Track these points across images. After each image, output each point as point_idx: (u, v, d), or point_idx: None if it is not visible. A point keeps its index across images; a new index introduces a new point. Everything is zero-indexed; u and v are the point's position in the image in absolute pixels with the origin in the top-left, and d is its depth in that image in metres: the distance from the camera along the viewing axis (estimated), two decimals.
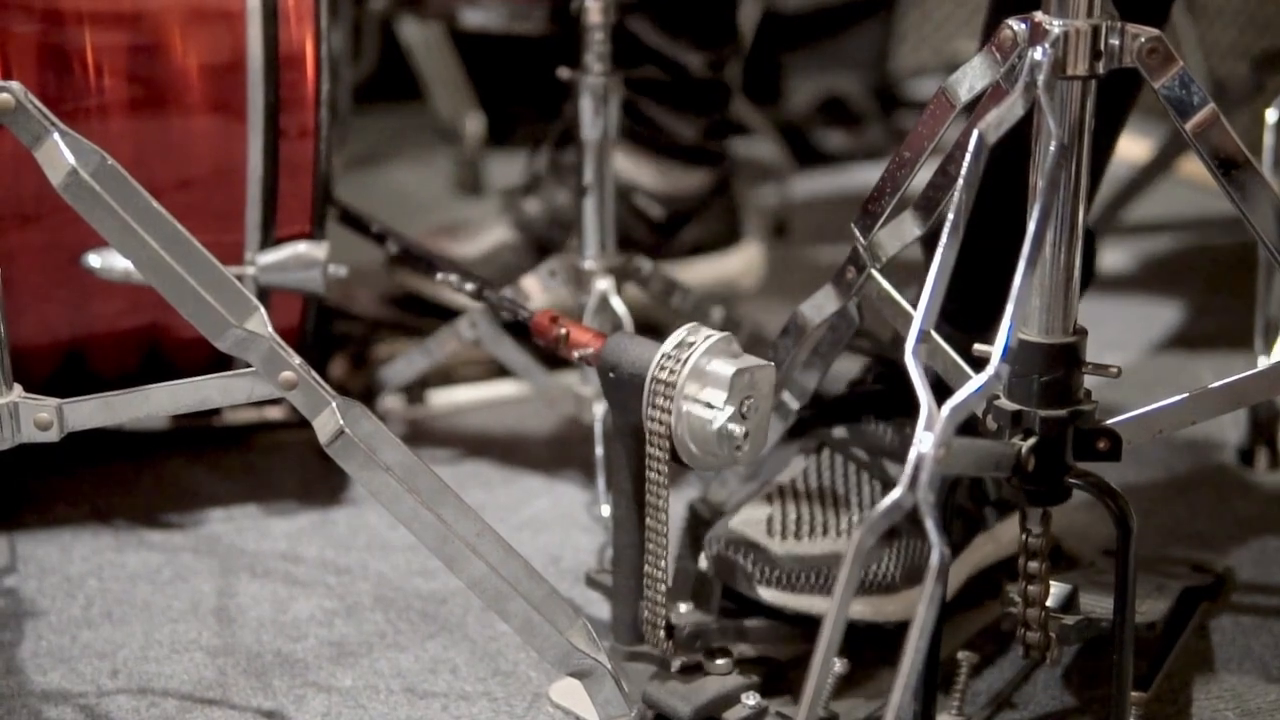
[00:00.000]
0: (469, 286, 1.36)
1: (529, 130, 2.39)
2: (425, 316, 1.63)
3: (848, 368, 1.29)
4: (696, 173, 1.73)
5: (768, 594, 1.13)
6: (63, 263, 1.26)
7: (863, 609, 1.14)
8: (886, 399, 1.23)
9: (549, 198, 1.67)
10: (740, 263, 1.77)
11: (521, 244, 1.67)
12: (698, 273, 1.72)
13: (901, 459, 1.07)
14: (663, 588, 1.08)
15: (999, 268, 0.93)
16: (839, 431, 1.23)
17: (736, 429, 1.02)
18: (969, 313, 1.16)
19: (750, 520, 1.17)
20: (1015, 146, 0.96)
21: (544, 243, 1.65)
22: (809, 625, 1.11)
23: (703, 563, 1.16)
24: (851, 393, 1.26)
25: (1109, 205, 1.96)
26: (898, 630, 1.13)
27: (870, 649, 1.12)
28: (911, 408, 0.86)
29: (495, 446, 1.53)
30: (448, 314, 1.54)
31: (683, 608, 1.13)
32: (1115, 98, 1.06)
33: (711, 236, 1.69)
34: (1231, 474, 1.48)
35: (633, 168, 1.68)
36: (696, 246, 1.74)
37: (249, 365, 1.00)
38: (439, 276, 1.40)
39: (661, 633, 1.09)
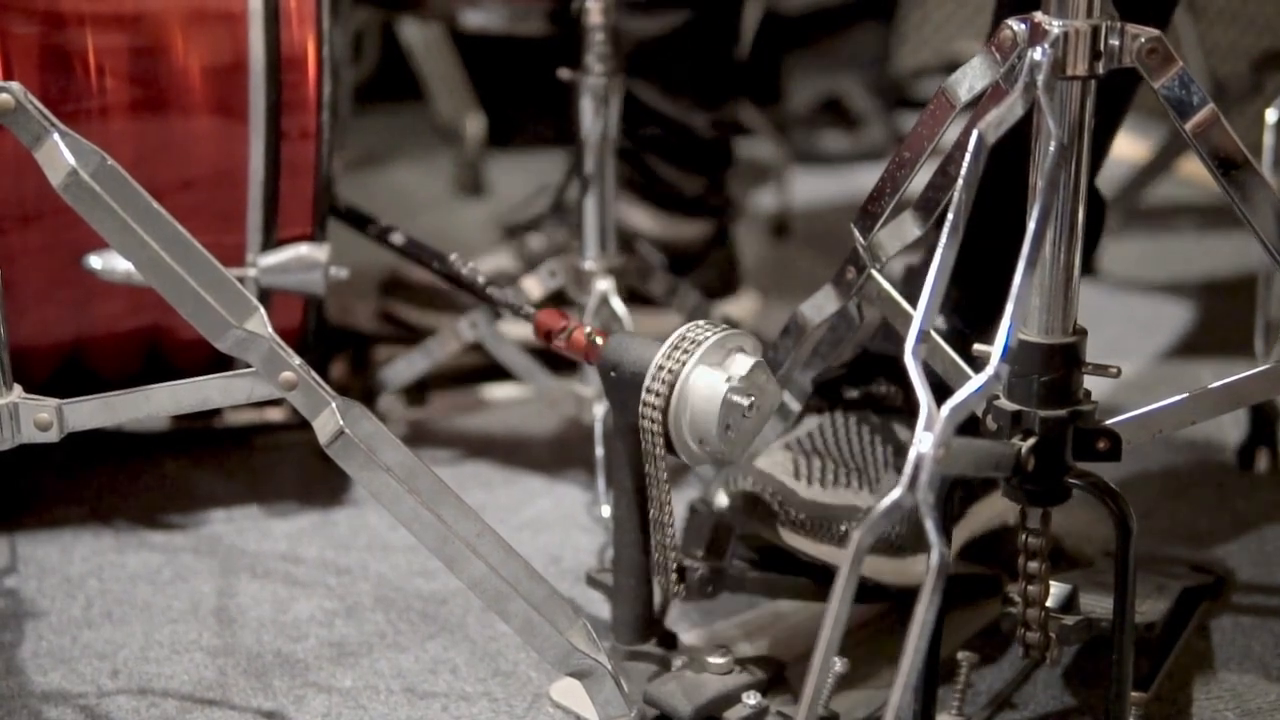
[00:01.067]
0: (480, 279, 1.35)
1: (529, 132, 2.41)
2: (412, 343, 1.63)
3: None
4: (696, 224, 1.74)
5: (789, 536, 1.13)
6: (64, 264, 1.26)
7: (876, 567, 1.14)
8: (897, 362, 1.23)
9: (552, 234, 1.68)
10: (738, 312, 1.77)
11: (521, 274, 1.67)
12: None
13: (911, 422, 1.06)
14: (671, 532, 1.07)
15: (1004, 267, 0.93)
16: (850, 392, 1.23)
17: (741, 399, 1.03)
18: (975, 308, 1.16)
19: (775, 463, 1.16)
20: (1019, 146, 0.96)
21: None
22: (819, 578, 1.11)
23: (720, 498, 1.16)
24: (862, 355, 1.26)
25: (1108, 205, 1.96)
26: (900, 593, 1.13)
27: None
28: None
29: (496, 447, 1.53)
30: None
31: (694, 555, 1.12)
32: (1114, 97, 1.06)
33: (710, 286, 1.69)
34: (1231, 474, 1.48)
35: (632, 216, 1.68)
36: None
37: (249, 366, 1.00)
38: (436, 265, 1.39)
39: (673, 575, 1.08)
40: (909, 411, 1.18)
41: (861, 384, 1.23)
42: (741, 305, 1.77)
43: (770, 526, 1.13)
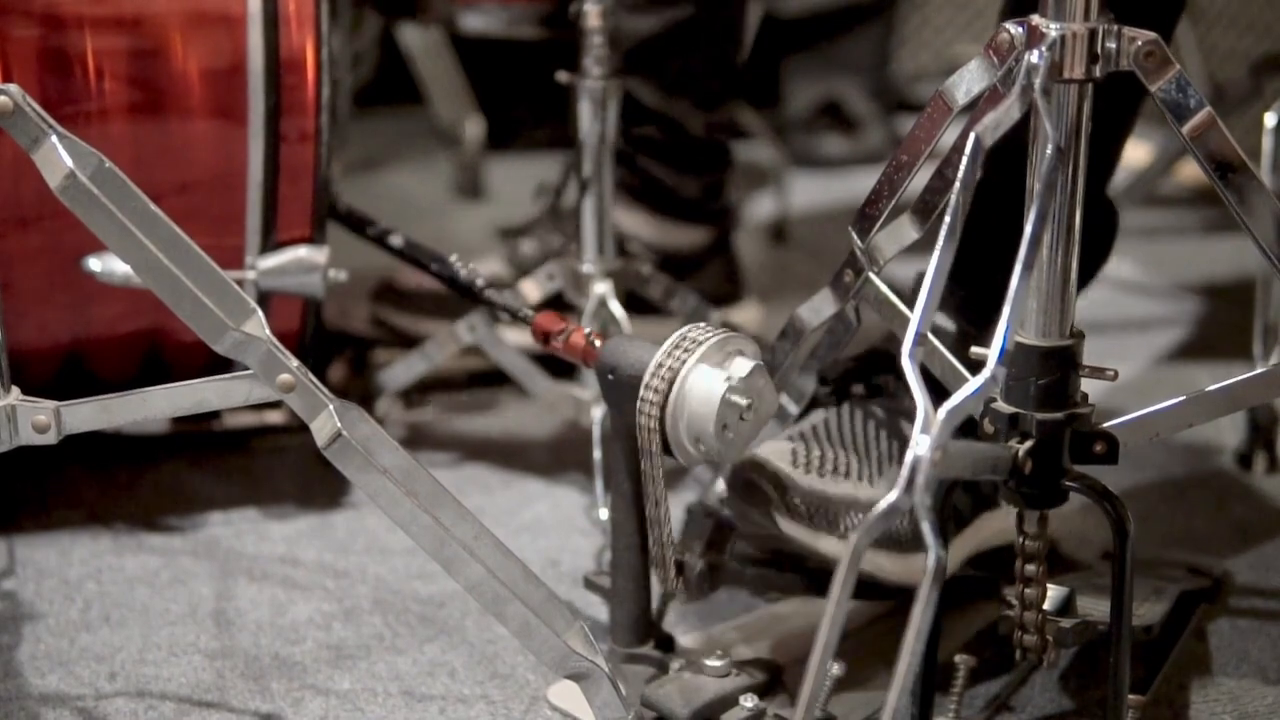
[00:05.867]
0: (469, 286, 1.36)
1: (528, 134, 2.41)
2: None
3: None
4: (694, 230, 1.72)
5: (785, 524, 1.12)
6: (63, 266, 1.26)
7: (874, 560, 1.14)
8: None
9: (545, 240, 1.68)
10: (740, 321, 1.74)
11: (512, 280, 1.66)
12: None
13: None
14: (668, 529, 1.07)
15: (1005, 270, 0.93)
16: (857, 388, 1.23)
17: (739, 399, 1.03)
18: (976, 308, 1.16)
19: (775, 451, 1.15)
20: (1022, 149, 0.96)
21: None
22: (816, 578, 1.11)
23: (719, 487, 1.15)
24: (871, 352, 1.26)
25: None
26: (898, 590, 1.13)
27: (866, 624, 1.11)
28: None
29: (494, 450, 1.53)
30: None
31: (693, 550, 1.12)
32: (1122, 103, 1.06)
33: (710, 294, 1.67)
34: (1230, 477, 1.48)
35: (629, 221, 1.67)
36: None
37: (248, 368, 1.00)
38: (434, 267, 1.39)
39: (672, 571, 1.08)
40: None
41: (867, 378, 1.23)
42: (744, 314, 1.75)
43: (767, 514, 1.12)
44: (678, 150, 1.70)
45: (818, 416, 1.21)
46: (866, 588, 1.14)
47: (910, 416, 1.19)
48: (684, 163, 1.71)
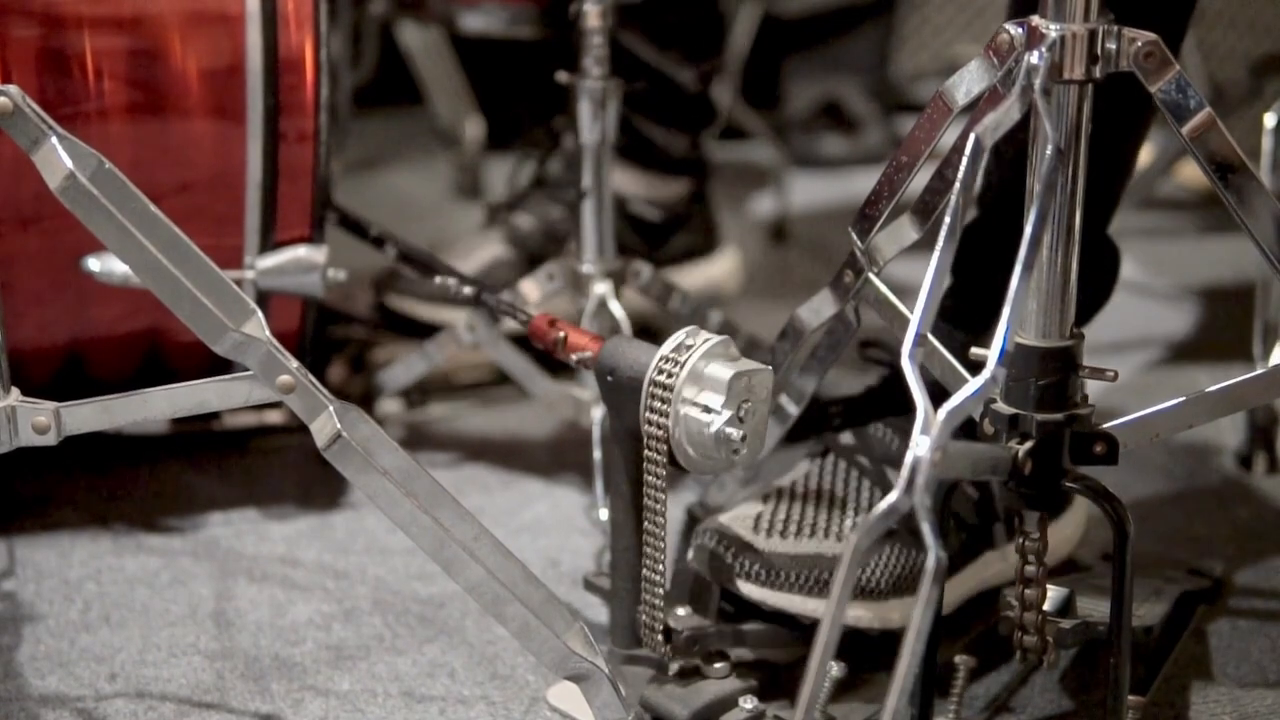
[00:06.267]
0: (467, 290, 1.36)
1: (527, 135, 2.41)
2: (409, 335, 1.63)
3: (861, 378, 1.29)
4: (678, 182, 1.76)
5: (747, 588, 1.13)
6: (62, 266, 1.26)
7: (859, 614, 1.14)
8: (895, 405, 1.23)
9: (541, 212, 1.67)
10: (724, 267, 1.81)
11: (516, 259, 1.67)
12: (689, 278, 1.73)
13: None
14: (660, 591, 1.08)
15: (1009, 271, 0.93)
16: (846, 438, 1.23)
17: (734, 432, 1.03)
18: (973, 313, 1.15)
19: (739, 517, 1.17)
20: (1025, 150, 0.96)
21: (538, 257, 1.65)
22: (807, 631, 1.11)
23: (689, 555, 1.16)
24: (862, 397, 1.26)
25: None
26: (880, 638, 1.13)
27: (855, 656, 1.11)
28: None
29: (494, 450, 1.53)
30: (430, 330, 1.54)
31: (680, 611, 1.13)
32: (1131, 104, 1.05)
33: (697, 243, 1.70)
34: (1230, 478, 1.48)
35: (620, 177, 1.68)
36: (687, 252, 1.76)
37: (247, 369, 1.00)
38: (437, 280, 1.40)
39: (659, 636, 1.09)
40: (902, 458, 1.18)
41: (858, 425, 1.23)
42: (722, 265, 1.80)
43: (730, 580, 1.13)
44: (668, 106, 1.71)
45: (800, 471, 1.22)
46: (847, 642, 1.13)
47: (895, 464, 1.19)
48: (674, 119, 1.73)
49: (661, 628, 1.09)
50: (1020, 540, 1.03)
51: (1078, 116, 0.96)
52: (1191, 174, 2.20)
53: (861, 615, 1.13)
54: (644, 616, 1.09)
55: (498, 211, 1.73)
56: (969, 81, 0.99)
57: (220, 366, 1.10)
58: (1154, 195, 2.13)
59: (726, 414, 1.02)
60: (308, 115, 1.29)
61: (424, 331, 1.58)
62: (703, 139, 1.79)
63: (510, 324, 1.32)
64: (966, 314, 1.21)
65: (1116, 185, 1.29)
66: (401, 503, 1.01)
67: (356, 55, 2.46)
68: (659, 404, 1.04)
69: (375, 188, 2.30)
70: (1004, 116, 0.94)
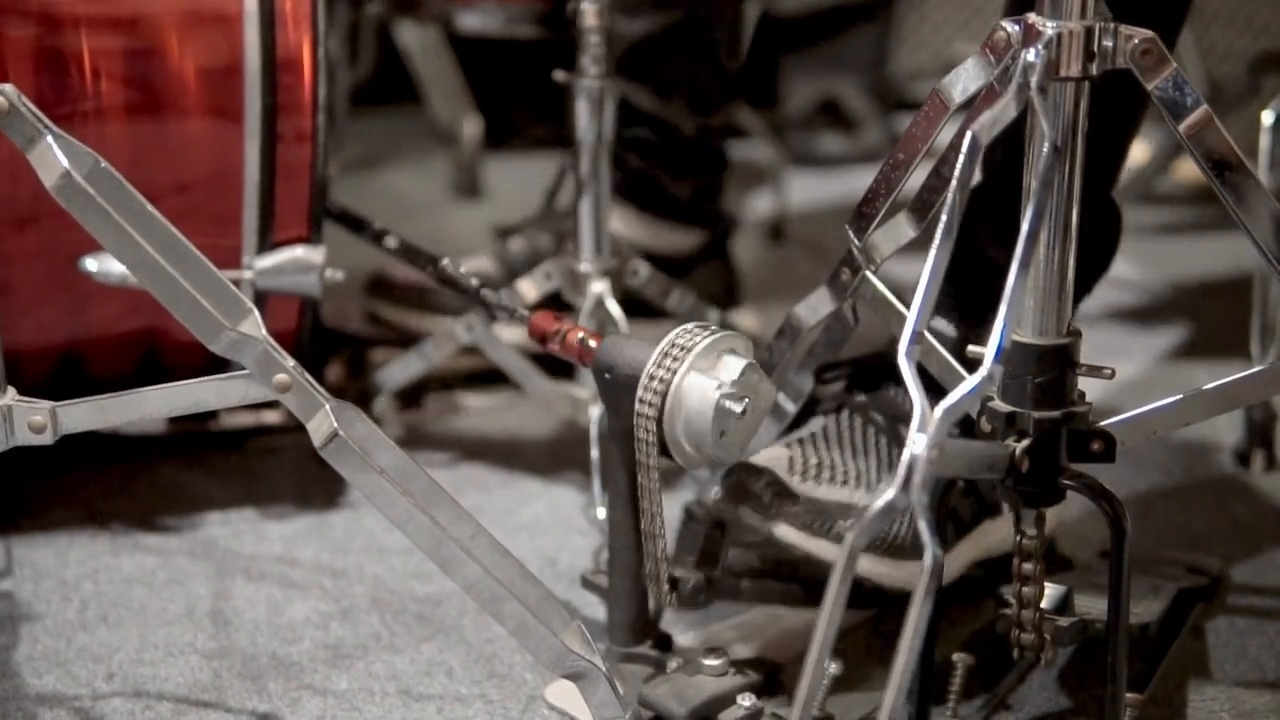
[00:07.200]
0: (465, 287, 1.36)
1: (526, 134, 2.41)
2: (401, 346, 1.63)
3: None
4: (688, 233, 1.71)
5: (780, 530, 1.12)
6: (59, 266, 1.26)
7: (875, 569, 1.14)
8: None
9: (533, 239, 1.67)
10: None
11: (500, 278, 1.66)
12: None
13: None
14: (663, 544, 1.07)
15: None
16: (859, 396, 1.23)
17: (734, 406, 1.02)
18: (972, 308, 1.15)
19: (771, 457, 1.16)
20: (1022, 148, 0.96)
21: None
22: (812, 588, 1.11)
23: (715, 493, 1.16)
24: (874, 359, 1.25)
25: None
26: (900, 596, 1.13)
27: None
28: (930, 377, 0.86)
29: (491, 449, 1.53)
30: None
31: (686, 564, 1.12)
32: (1124, 102, 1.06)
33: (705, 299, 1.66)
34: (1227, 476, 1.48)
35: (620, 224, 1.66)
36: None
37: (244, 368, 1.00)
38: (430, 269, 1.39)
39: (665, 586, 1.08)
40: None
41: (869, 388, 1.23)
42: (739, 323, 1.75)
43: (762, 520, 1.12)
44: (670, 151, 1.69)
45: (816, 424, 1.21)
46: (868, 596, 1.14)
47: (909, 422, 1.19)
48: (676, 164, 1.70)
49: (667, 577, 1.08)
50: (1018, 539, 1.03)
51: (1074, 114, 0.96)
52: (1189, 171, 2.20)
53: (885, 572, 1.13)
54: (649, 567, 1.08)
55: (502, 235, 1.73)
56: (965, 79, 0.99)
57: (218, 366, 1.09)
58: (1151, 192, 2.14)
59: (732, 388, 1.02)
60: (305, 115, 1.29)
61: (416, 342, 1.58)
62: (717, 190, 1.75)
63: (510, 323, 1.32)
64: (957, 301, 1.21)
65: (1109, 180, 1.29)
66: (398, 501, 1.01)
67: (354, 54, 2.47)
68: (655, 410, 1.03)
69: (373, 187, 2.30)
70: (1001, 114, 0.94)
